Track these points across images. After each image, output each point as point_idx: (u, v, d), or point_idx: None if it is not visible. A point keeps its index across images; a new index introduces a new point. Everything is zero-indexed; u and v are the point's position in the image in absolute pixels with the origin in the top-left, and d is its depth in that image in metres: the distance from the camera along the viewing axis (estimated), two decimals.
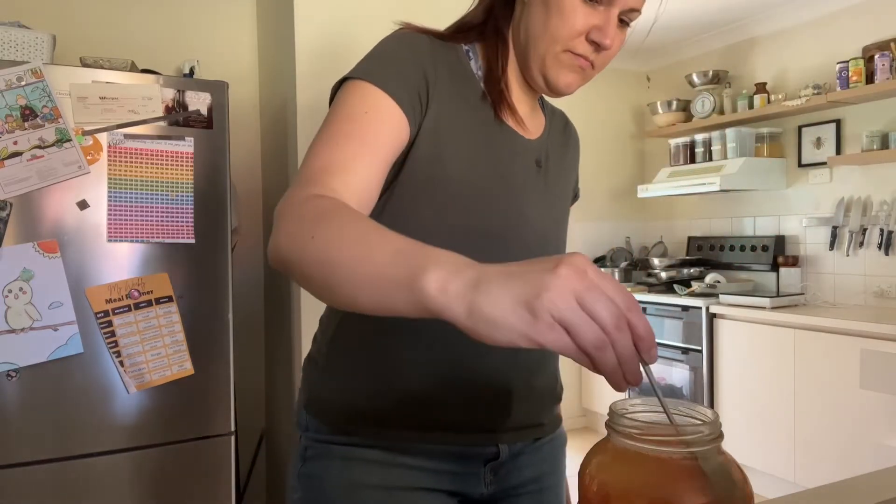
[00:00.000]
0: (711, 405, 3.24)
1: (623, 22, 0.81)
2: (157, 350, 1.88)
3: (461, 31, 0.86)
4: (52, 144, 1.78)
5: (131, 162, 1.86)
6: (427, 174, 0.79)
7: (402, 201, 0.80)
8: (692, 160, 3.77)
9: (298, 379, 2.21)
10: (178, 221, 1.91)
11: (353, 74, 0.78)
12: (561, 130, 0.99)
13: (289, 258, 0.62)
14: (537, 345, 0.45)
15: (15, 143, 1.74)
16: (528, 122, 0.89)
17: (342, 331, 0.86)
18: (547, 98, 0.97)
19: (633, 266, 4.10)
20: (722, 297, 3.24)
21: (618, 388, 0.46)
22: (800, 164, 3.40)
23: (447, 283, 0.49)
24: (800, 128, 3.39)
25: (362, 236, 0.58)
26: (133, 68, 2.06)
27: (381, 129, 0.74)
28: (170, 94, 1.91)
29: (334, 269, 0.57)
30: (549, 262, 0.46)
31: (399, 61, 0.78)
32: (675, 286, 3.57)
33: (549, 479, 0.94)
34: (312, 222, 0.62)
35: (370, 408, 0.82)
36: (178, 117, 1.92)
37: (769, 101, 3.41)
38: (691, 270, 3.68)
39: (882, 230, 3.00)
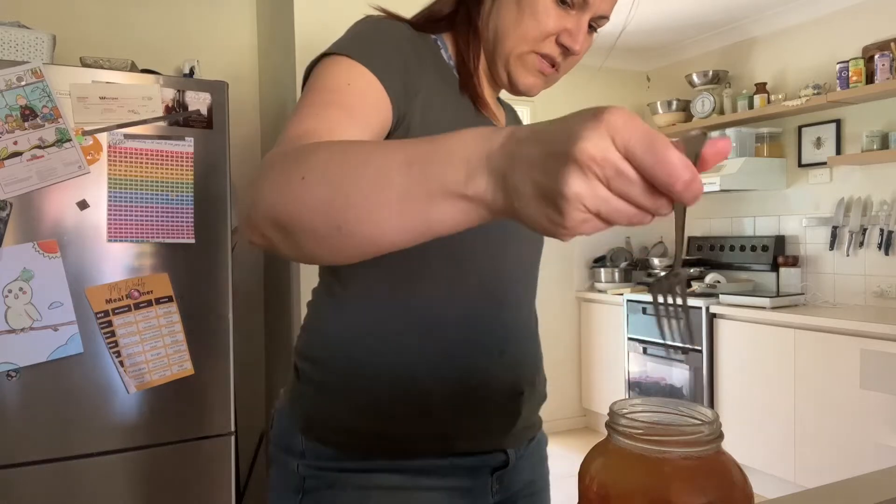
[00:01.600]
0: (711, 405, 3.24)
1: (591, 28, 0.80)
2: (157, 350, 1.88)
3: (431, 20, 0.83)
4: (52, 144, 1.78)
5: (131, 162, 1.86)
6: None
7: None
8: None
9: None
10: (178, 221, 1.91)
11: (333, 50, 0.72)
12: (514, 122, 0.97)
13: (279, 214, 0.51)
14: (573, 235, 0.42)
15: (15, 143, 1.74)
16: (496, 113, 0.88)
17: (344, 343, 0.78)
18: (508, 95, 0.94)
19: (633, 266, 4.10)
20: (722, 297, 3.24)
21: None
22: (800, 164, 3.40)
23: (478, 186, 0.44)
24: (800, 128, 3.39)
25: (362, 160, 0.49)
26: (133, 68, 2.06)
27: (366, 101, 0.68)
28: (170, 94, 1.91)
29: (345, 205, 0.48)
30: (569, 138, 0.39)
31: (383, 44, 0.74)
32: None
33: (541, 482, 0.92)
34: (298, 164, 0.52)
35: (390, 427, 0.76)
36: (178, 117, 1.92)
37: (769, 101, 3.41)
38: (691, 270, 3.68)
39: (882, 230, 3.00)
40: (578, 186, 0.38)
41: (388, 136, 0.72)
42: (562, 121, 0.41)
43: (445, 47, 0.83)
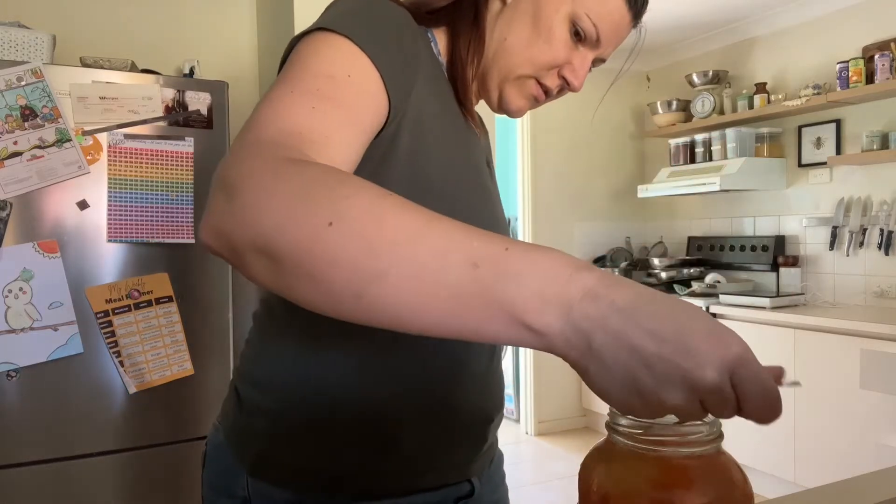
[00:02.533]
0: None
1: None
2: (157, 350, 1.88)
3: (426, 11, 0.75)
4: (52, 144, 1.78)
5: (131, 162, 1.86)
6: (409, 175, 0.67)
7: None
8: (692, 160, 3.77)
9: None
10: (178, 221, 1.91)
11: (331, 27, 0.60)
12: (482, 128, 0.91)
13: (280, 246, 0.43)
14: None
15: (15, 143, 1.74)
16: (475, 121, 0.83)
17: (300, 369, 0.69)
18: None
19: (633, 266, 4.10)
20: (722, 297, 3.24)
21: None
22: (800, 164, 3.40)
23: (549, 325, 0.41)
24: (800, 128, 3.39)
25: (414, 233, 0.42)
26: (133, 68, 2.07)
27: (366, 101, 0.59)
28: (170, 94, 1.91)
29: (378, 278, 0.41)
30: (691, 360, 0.39)
31: (383, 30, 0.64)
32: (676, 286, 3.56)
33: (503, 501, 0.88)
34: (321, 202, 0.43)
35: (356, 466, 0.69)
36: (178, 117, 1.92)
37: (769, 101, 3.41)
38: (691, 270, 3.68)
39: (882, 230, 3.00)
40: (679, 401, 0.39)
41: (379, 133, 0.64)
42: (678, 323, 0.40)
43: (435, 41, 0.76)
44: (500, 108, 0.79)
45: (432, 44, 0.75)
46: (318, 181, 0.45)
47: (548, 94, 0.78)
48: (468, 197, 0.74)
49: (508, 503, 0.90)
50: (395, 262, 0.41)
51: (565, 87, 0.77)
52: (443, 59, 0.76)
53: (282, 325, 0.71)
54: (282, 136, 0.51)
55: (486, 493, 0.81)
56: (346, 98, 0.57)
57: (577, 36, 0.74)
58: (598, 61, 0.78)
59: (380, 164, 0.65)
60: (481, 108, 0.85)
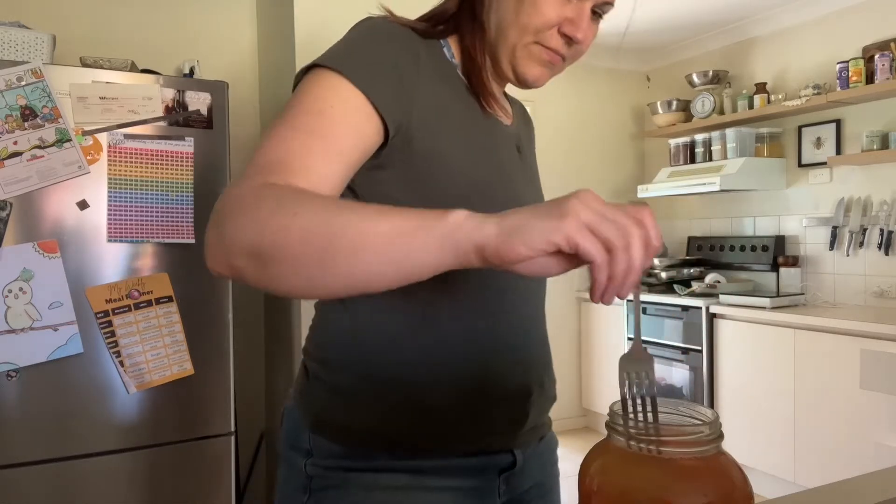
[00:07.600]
0: (711, 405, 3.24)
1: (596, 14, 0.79)
2: (157, 350, 1.88)
3: (438, 21, 0.82)
4: (52, 144, 1.78)
5: (131, 162, 1.86)
6: (426, 171, 0.74)
7: (398, 203, 0.74)
8: (692, 160, 3.77)
9: None
10: (178, 221, 1.91)
11: (322, 62, 0.70)
12: (521, 115, 0.96)
13: (262, 245, 0.56)
14: (566, 245, 0.50)
15: (15, 143, 1.74)
16: (503, 108, 0.87)
17: (353, 343, 0.78)
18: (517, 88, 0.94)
19: None
20: (722, 298, 3.24)
21: (607, 299, 0.53)
22: (800, 164, 3.40)
23: (473, 216, 0.54)
24: (800, 128, 3.39)
25: (358, 206, 0.57)
26: (133, 68, 2.06)
27: (348, 128, 0.67)
28: (170, 94, 1.91)
29: (336, 237, 0.54)
30: (558, 202, 0.53)
31: (375, 54, 0.71)
32: (675, 286, 3.56)
33: (550, 482, 0.92)
34: (288, 202, 0.57)
35: (396, 427, 0.76)
36: (178, 117, 1.92)
37: (769, 101, 3.41)
38: (691, 270, 3.68)
39: (882, 230, 3.00)
40: (575, 206, 0.51)
41: (384, 147, 0.72)
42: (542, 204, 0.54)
43: (448, 47, 0.82)
44: (519, 81, 0.83)
45: (445, 50, 0.81)
46: (287, 194, 0.58)
47: (561, 56, 0.79)
48: (490, 187, 0.78)
49: (557, 487, 0.94)
50: (350, 221, 0.55)
51: (571, 43, 0.78)
52: (457, 61, 0.82)
53: (339, 311, 0.80)
54: (265, 165, 0.64)
55: (530, 469, 0.86)
56: (326, 129, 0.67)
57: None
58: (605, 6, 0.79)
59: (399, 166, 0.74)
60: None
